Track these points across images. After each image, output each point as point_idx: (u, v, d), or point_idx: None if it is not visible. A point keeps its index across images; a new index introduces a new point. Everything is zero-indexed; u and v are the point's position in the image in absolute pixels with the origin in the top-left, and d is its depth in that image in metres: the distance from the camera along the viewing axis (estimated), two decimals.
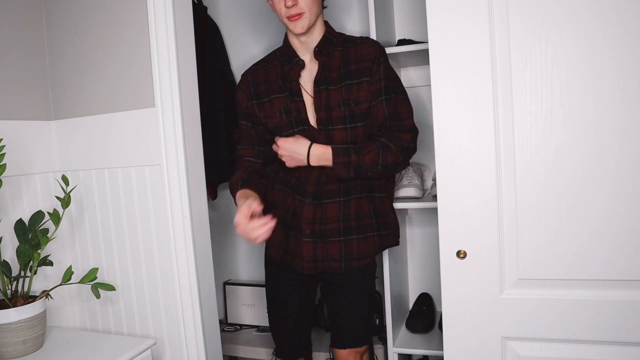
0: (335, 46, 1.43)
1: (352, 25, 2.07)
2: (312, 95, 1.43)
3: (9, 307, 1.22)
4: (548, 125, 1.06)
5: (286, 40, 1.47)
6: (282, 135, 1.45)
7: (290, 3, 1.32)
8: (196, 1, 2.03)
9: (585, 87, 1.04)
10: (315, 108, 1.42)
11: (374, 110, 1.39)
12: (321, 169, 1.42)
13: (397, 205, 1.70)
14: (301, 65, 1.44)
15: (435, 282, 1.94)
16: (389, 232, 1.54)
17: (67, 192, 1.33)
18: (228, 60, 2.21)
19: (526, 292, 1.12)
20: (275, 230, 1.37)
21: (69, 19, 1.57)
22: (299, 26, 1.35)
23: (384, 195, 1.51)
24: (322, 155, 1.37)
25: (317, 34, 1.43)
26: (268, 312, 1.61)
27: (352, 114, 1.39)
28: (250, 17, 2.24)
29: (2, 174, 1.22)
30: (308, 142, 1.38)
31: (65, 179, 1.35)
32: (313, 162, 1.38)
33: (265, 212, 1.48)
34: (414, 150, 1.43)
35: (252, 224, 1.22)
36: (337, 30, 1.48)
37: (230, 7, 2.26)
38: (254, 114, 1.49)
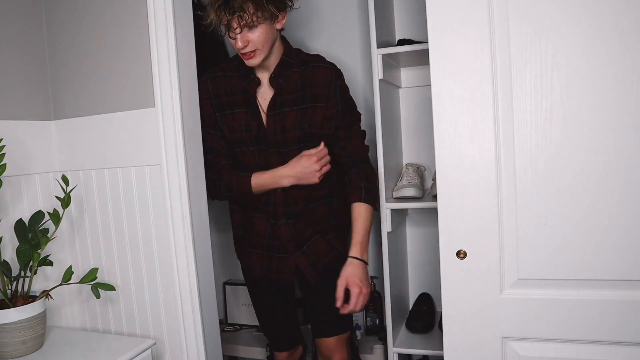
0: (292, 67, 1.46)
1: (352, 25, 2.07)
2: (267, 117, 1.48)
3: (9, 307, 1.22)
4: (548, 125, 1.06)
5: None
6: (238, 151, 1.52)
7: (241, 44, 1.33)
8: (196, 1, 2.03)
9: (585, 87, 1.04)
10: (270, 130, 1.47)
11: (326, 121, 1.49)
12: (286, 190, 1.51)
13: (397, 205, 1.70)
14: (257, 82, 1.48)
15: (435, 282, 1.94)
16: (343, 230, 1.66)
17: (67, 192, 1.33)
18: None
19: (526, 292, 1.12)
20: (254, 255, 1.59)
21: (69, 19, 1.57)
22: (253, 62, 1.39)
23: (341, 200, 1.62)
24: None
25: (274, 58, 1.45)
26: (257, 317, 1.74)
27: (306, 134, 1.47)
28: None
29: (2, 174, 1.22)
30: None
31: (65, 179, 1.35)
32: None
33: (239, 236, 1.67)
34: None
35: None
36: (295, 47, 1.51)
37: None
38: (217, 125, 1.52)
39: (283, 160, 1.48)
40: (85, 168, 1.58)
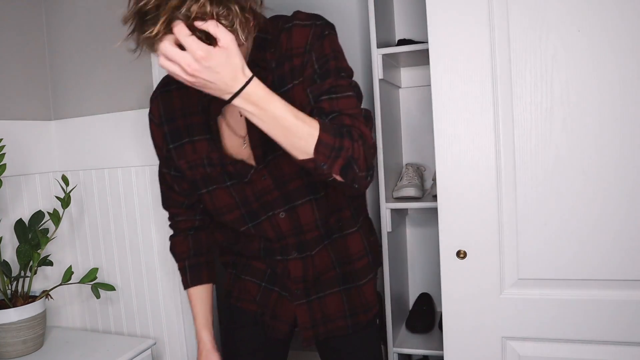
0: (270, 47, 1.01)
1: (352, 25, 2.07)
2: (244, 128, 1.04)
3: (9, 307, 1.22)
4: (548, 125, 1.06)
5: None
6: (205, 193, 1.09)
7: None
8: None
9: (585, 87, 1.04)
10: (251, 142, 1.03)
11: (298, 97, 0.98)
12: (291, 215, 1.08)
13: (397, 205, 1.70)
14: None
15: (435, 282, 1.94)
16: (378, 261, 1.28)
17: (67, 192, 1.33)
18: None
19: (526, 292, 1.12)
20: (247, 283, 1.18)
21: (69, 19, 1.57)
22: None
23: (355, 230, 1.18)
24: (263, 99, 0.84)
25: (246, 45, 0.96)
26: None
27: None
28: None
29: (2, 174, 1.22)
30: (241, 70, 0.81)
31: (65, 179, 1.35)
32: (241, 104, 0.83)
33: (231, 296, 1.23)
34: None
35: None
36: (275, 16, 1.05)
37: None
38: (172, 160, 1.10)
39: (278, 176, 1.05)
40: (85, 168, 1.58)
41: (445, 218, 1.15)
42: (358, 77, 2.19)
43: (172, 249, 1.23)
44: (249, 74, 0.81)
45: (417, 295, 2.03)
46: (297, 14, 1.02)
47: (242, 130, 1.04)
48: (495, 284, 1.14)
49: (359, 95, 1.01)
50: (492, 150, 1.10)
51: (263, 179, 1.05)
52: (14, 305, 1.23)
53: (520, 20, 1.05)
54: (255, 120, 0.84)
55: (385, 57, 1.66)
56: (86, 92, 1.56)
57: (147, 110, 1.14)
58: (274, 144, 0.88)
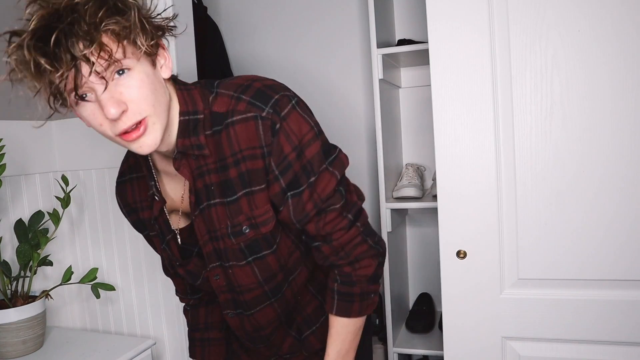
0: (205, 129, 0.83)
1: (352, 25, 2.07)
2: (182, 230, 0.95)
3: (9, 307, 1.22)
4: (548, 125, 1.06)
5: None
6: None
7: (113, 111, 0.69)
8: (196, 1, 2.03)
9: (585, 87, 1.04)
10: (200, 238, 0.90)
11: (281, 218, 0.87)
12: (248, 318, 0.99)
13: (397, 205, 1.70)
14: (160, 200, 0.91)
15: (435, 282, 1.94)
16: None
17: (67, 192, 1.33)
18: (228, 61, 2.21)
19: (526, 292, 1.12)
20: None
21: None
22: (146, 145, 0.75)
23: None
24: None
25: (174, 127, 0.82)
26: None
27: (252, 241, 0.87)
28: (250, 17, 2.24)
29: (2, 173, 1.22)
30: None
31: (65, 179, 1.35)
32: None
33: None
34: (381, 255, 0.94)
35: None
36: (191, 85, 0.86)
37: (230, 7, 2.26)
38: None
39: (232, 284, 0.93)
40: (85, 168, 1.58)
41: (445, 218, 1.15)
42: (358, 77, 2.19)
43: (187, 317, 1.17)
44: None
45: (417, 295, 2.03)
46: (238, 102, 0.81)
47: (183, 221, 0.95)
48: (495, 283, 1.14)
49: (339, 171, 0.87)
50: (492, 150, 1.10)
51: (216, 279, 0.93)
52: (14, 305, 1.23)
53: (520, 20, 1.05)
54: None
55: (385, 57, 1.66)
56: None
57: None
58: (227, 252, 0.88)
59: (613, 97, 1.02)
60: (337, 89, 2.07)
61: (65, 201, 1.33)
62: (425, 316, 1.86)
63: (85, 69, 0.67)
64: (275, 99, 0.80)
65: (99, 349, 1.29)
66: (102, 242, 1.59)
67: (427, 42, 1.13)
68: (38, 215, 1.37)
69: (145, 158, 0.90)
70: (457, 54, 1.10)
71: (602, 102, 1.03)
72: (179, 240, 0.95)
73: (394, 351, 1.73)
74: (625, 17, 1.00)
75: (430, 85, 1.13)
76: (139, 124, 0.73)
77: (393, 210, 1.71)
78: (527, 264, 1.11)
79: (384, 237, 1.68)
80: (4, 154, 1.23)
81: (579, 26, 1.02)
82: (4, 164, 1.23)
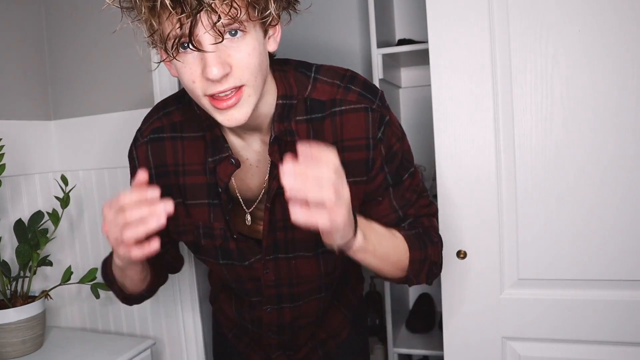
0: (297, 114, 0.81)
1: (352, 25, 2.07)
2: (253, 213, 0.90)
3: (9, 307, 1.22)
4: (548, 125, 1.06)
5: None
6: (199, 255, 0.94)
7: (217, 71, 0.66)
8: None
9: (585, 87, 1.03)
10: (266, 227, 0.86)
11: (376, 209, 0.89)
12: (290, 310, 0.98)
13: None
14: (235, 165, 0.83)
15: (436, 282, 1.94)
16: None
17: (66, 192, 1.33)
18: None
19: (526, 292, 1.12)
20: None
21: (68, 19, 1.56)
22: (237, 118, 0.72)
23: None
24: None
25: (266, 107, 0.80)
26: None
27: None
28: None
29: (1, 173, 1.22)
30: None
31: (64, 179, 1.35)
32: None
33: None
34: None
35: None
36: (288, 69, 0.84)
37: None
38: None
39: (289, 274, 0.92)
40: (85, 168, 1.58)
41: (445, 218, 1.15)
42: None
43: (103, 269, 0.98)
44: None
45: (417, 295, 2.03)
46: (347, 92, 0.80)
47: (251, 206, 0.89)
48: (496, 284, 1.13)
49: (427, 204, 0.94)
50: (492, 150, 1.10)
51: (265, 273, 0.89)
52: (14, 306, 1.23)
53: (520, 20, 1.05)
54: (365, 261, 0.79)
55: (385, 57, 1.66)
56: (86, 92, 1.56)
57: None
58: (296, 242, 0.84)
59: (614, 96, 1.02)
60: None
61: (65, 201, 1.33)
62: (425, 316, 1.86)
63: (204, 19, 0.64)
64: (380, 93, 0.84)
65: (98, 349, 1.29)
66: (101, 242, 1.59)
67: (427, 42, 1.13)
68: (37, 216, 1.37)
69: (217, 123, 0.80)
70: (457, 54, 1.10)
71: (603, 102, 1.03)
72: (248, 219, 0.90)
73: (394, 351, 1.73)
74: (626, 16, 1.00)
75: (430, 85, 1.13)
76: (234, 91, 0.69)
77: None
78: (527, 264, 1.11)
79: None
80: (3, 154, 1.23)
81: (580, 26, 1.02)
82: (4, 164, 1.23)
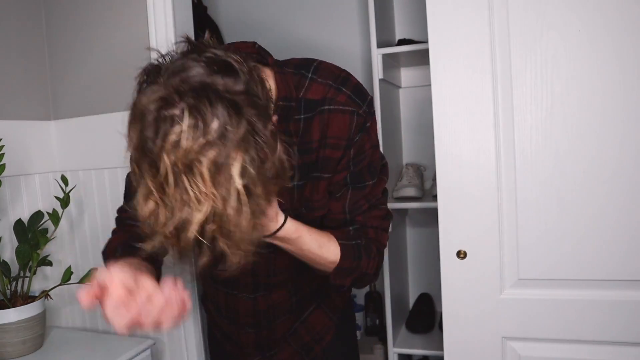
0: (294, 114, 0.86)
1: (352, 25, 2.07)
2: None
3: (9, 307, 1.22)
4: (548, 125, 1.06)
5: None
6: None
7: None
8: (196, 1, 2.03)
9: (585, 87, 1.03)
10: None
11: (331, 204, 0.92)
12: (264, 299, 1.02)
13: (397, 205, 1.70)
14: None
15: (435, 282, 1.94)
16: None
17: (66, 192, 1.33)
18: None
19: (526, 292, 1.12)
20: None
21: (68, 19, 1.56)
22: None
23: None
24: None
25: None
26: None
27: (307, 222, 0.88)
28: (250, 18, 2.24)
29: (1, 173, 1.22)
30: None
31: (64, 179, 1.35)
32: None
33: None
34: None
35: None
36: (286, 70, 0.87)
37: (230, 7, 2.26)
38: None
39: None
40: (85, 168, 1.58)
41: (445, 218, 1.15)
42: (358, 77, 2.18)
43: (104, 250, 1.00)
44: (282, 219, 0.78)
45: (417, 295, 2.03)
46: (338, 93, 0.85)
47: None
48: (496, 284, 1.13)
49: (387, 177, 0.97)
50: (492, 149, 1.10)
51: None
52: (14, 306, 1.23)
53: (520, 19, 1.05)
54: (282, 247, 0.84)
55: (385, 57, 1.66)
56: (86, 92, 1.56)
57: None
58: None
59: (614, 96, 1.02)
60: None
61: (65, 201, 1.33)
62: (425, 316, 1.86)
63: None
64: (369, 99, 0.89)
65: (98, 349, 1.29)
66: (101, 242, 1.59)
67: (427, 42, 1.13)
68: (37, 216, 1.37)
69: None
70: (458, 54, 1.10)
71: (603, 101, 1.03)
72: None
73: (394, 351, 1.73)
74: (626, 16, 1.00)
75: (430, 85, 1.13)
76: None
77: (393, 210, 1.71)
78: (527, 264, 1.11)
79: None
80: (3, 154, 1.23)
81: (580, 26, 1.02)
82: (4, 164, 1.23)
